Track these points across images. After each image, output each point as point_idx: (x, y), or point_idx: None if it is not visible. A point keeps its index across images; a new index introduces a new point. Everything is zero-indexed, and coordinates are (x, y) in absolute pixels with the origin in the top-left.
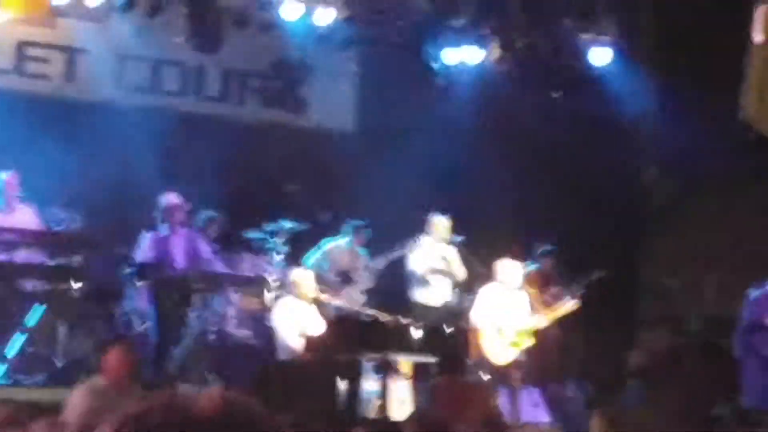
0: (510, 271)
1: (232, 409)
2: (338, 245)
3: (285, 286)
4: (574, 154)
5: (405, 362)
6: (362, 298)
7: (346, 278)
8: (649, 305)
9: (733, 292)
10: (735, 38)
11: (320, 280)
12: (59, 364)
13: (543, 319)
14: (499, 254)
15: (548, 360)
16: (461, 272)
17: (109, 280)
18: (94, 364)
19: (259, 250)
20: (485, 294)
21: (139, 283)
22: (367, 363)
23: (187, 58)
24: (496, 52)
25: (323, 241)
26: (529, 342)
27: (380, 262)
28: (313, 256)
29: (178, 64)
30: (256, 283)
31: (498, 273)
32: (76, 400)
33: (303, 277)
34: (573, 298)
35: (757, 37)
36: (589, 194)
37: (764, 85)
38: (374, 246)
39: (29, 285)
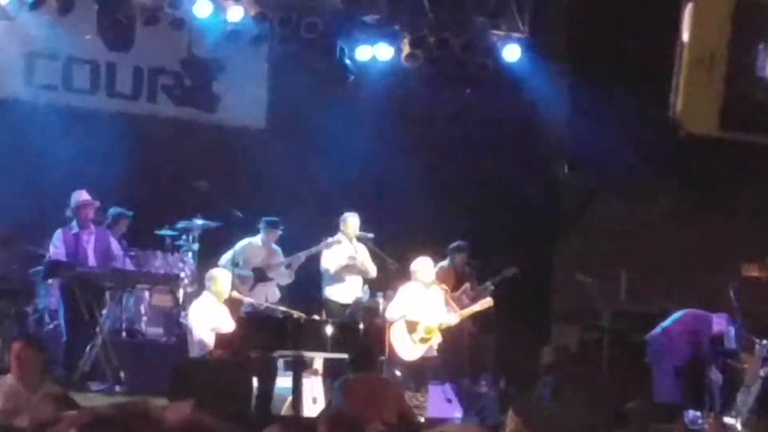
0: (423, 267)
1: (198, 425)
2: (252, 243)
3: (198, 284)
4: (486, 150)
5: (317, 359)
6: (278, 295)
7: (261, 275)
8: (562, 301)
9: (644, 288)
10: (647, 35)
11: (235, 278)
12: None
13: (456, 316)
14: (411, 251)
15: (461, 356)
16: (372, 269)
17: (20, 278)
18: (4, 363)
19: (171, 247)
20: (403, 291)
21: (49, 281)
22: (280, 360)
23: (98, 55)
24: (407, 48)
25: (238, 239)
26: (438, 338)
27: (301, 257)
28: (227, 255)
29: (89, 62)
30: (168, 281)
31: (413, 271)
32: None
33: (219, 275)
34: (487, 295)
35: (685, 36)
36: (501, 191)
37: (693, 85)
38: (286, 243)
39: None
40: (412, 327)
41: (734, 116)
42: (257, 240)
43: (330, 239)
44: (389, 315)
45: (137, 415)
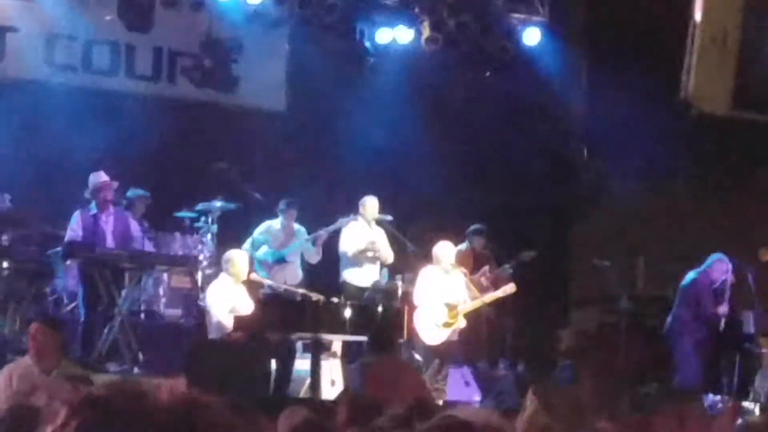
0: (445, 251)
1: (193, 402)
2: (271, 226)
3: (217, 266)
4: (505, 134)
5: (336, 342)
6: (300, 276)
7: (281, 257)
8: (580, 285)
9: (662, 272)
10: (666, 19)
11: (258, 261)
12: None
13: (479, 302)
14: (430, 234)
15: (479, 339)
16: (390, 255)
17: (38, 260)
18: (23, 344)
19: (189, 229)
20: (425, 275)
21: (67, 262)
22: (299, 342)
23: (118, 36)
24: (426, 31)
25: (257, 221)
26: (462, 323)
27: (322, 235)
28: (249, 239)
29: (109, 43)
30: (187, 263)
31: (434, 255)
32: (3, 381)
33: (237, 256)
34: (506, 278)
35: (698, 16)
36: (520, 174)
37: (706, 64)
38: (304, 225)
39: None
40: (435, 311)
41: (747, 96)
42: (276, 223)
43: (346, 218)
44: (416, 300)
45: (130, 393)
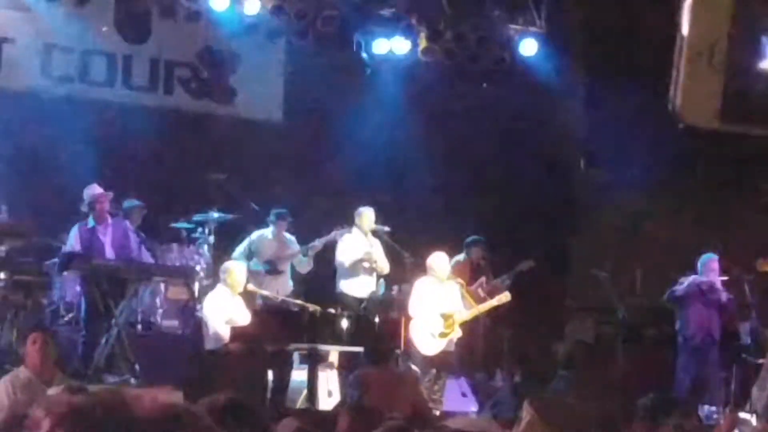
0: (439, 262)
1: (174, 411)
2: (263, 235)
3: (214, 277)
4: (502, 144)
5: (333, 352)
6: (290, 288)
7: (273, 268)
8: (578, 296)
9: (659, 283)
10: (662, 30)
11: (249, 271)
12: None
13: (474, 311)
14: (427, 244)
15: (476, 350)
16: (385, 266)
17: (36, 271)
18: (19, 355)
19: (186, 240)
20: (419, 286)
21: (64, 273)
22: (296, 353)
23: (115, 47)
24: (423, 42)
25: (251, 232)
26: (458, 333)
27: (317, 245)
28: (239, 248)
29: (106, 54)
30: (184, 274)
31: (428, 266)
32: (3, 391)
33: (234, 267)
34: (504, 289)
35: (685, 29)
36: (517, 185)
37: (693, 78)
38: (303, 236)
39: None
40: (431, 321)
41: (734, 109)
42: (268, 233)
43: (341, 229)
44: (411, 311)
45: (113, 403)
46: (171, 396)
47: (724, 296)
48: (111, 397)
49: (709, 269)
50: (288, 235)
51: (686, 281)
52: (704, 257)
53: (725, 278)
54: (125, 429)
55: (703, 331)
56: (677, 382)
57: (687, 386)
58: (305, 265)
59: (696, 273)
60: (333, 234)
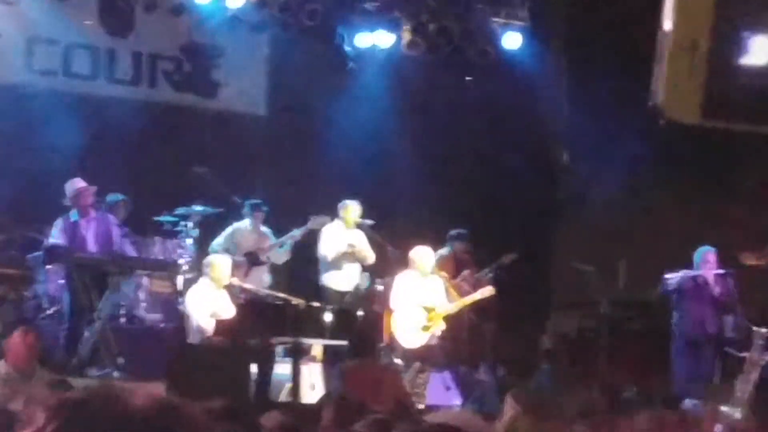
0: (421, 256)
1: (170, 406)
2: (240, 228)
3: (197, 270)
4: (486, 137)
5: (316, 346)
6: (268, 280)
7: (254, 259)
8: (562, 289)
9: (643, 276)
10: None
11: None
12: None
13: (457, 305)
14: (411, 238)
15: (460, 343)
16: (371, 256)
17: (19, 264)
18: (1, 348)
19: (170, 233)
20: (401, 280)
21: (47, 267)
22: (279, 347)
23: (98, 41)
24: (407, 35)
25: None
26: (441, 326)
27: (296, 235)
28: (217, 240)
29: (89, 47)
30: (167, 267)
31: (411, 259)
32: None
33: (217, 261)
34: (487, 283)
35: (667, 24)
36: (501, 178)
37: (675, 73)
38: (285, 230)
39: None
40: (414, 315)
41: (716, 104)
42: (245, 224)
43: (317, 217)
44: (392, 304)
45: (108, 397)
46: (158, 390)
47: (717, 290)
48: (105, 391)
49: (705, 261)
50: (264, 227)
51: (679, 274)
52: (701, 250)
53: (721, 272)
54: (120, 423)
55: (698, 326)
56: (672, 376)
57: (681, 380)
58: (282, 255)
59: (683, 267)
60: (310, 221)
